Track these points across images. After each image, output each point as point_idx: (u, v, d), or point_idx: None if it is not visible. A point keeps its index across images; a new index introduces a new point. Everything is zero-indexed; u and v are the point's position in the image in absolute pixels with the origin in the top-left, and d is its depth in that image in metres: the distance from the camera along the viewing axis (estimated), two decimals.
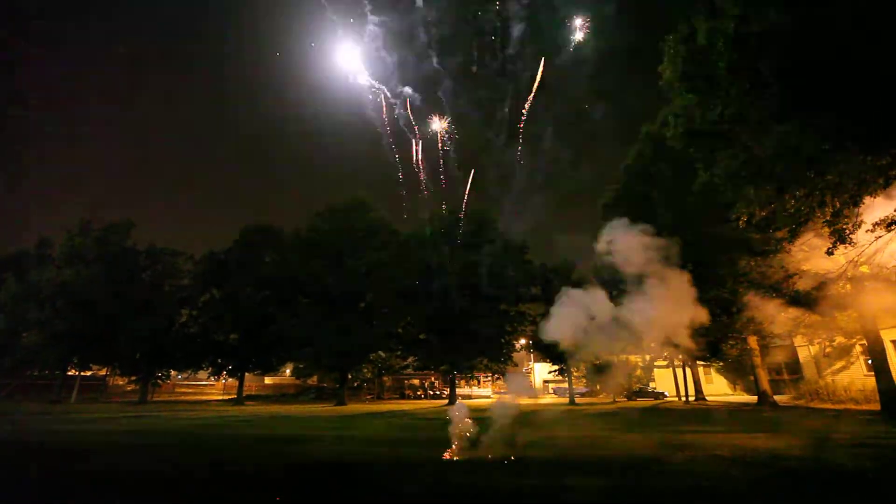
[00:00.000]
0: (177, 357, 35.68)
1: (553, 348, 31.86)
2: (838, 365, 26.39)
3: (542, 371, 44.98)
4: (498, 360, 34.52)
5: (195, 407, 30.61)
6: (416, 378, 49.76)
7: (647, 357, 34.72)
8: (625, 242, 12.49)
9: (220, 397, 44.74)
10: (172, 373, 40.81)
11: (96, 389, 42.41)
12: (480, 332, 32.55)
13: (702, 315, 11.25)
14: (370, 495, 6.49)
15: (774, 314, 19.84)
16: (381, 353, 39.80)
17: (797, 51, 10.52)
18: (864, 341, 19.85)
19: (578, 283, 34.86)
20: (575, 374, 33.67)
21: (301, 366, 42.00)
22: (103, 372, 43.80)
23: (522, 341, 38.29)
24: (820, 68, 10.41)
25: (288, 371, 54.79)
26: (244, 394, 37.03)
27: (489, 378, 48.07)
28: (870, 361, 19.70)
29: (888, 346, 19.81)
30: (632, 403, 31.52)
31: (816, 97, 10.71)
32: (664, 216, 23.07)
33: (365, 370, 42.96)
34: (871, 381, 19.42)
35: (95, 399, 38.15)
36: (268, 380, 56.85)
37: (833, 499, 5.72)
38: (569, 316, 10.91)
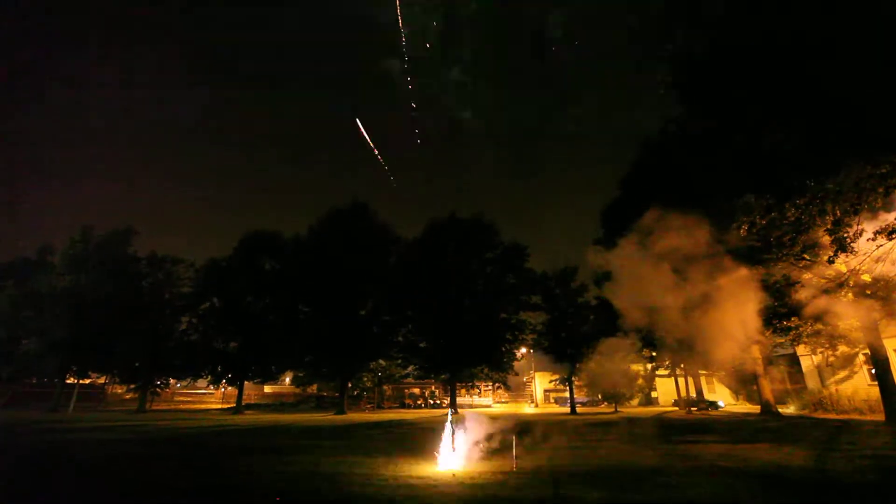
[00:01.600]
0: (176, 365, 35.54)
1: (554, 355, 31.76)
2: (842, 374, 26.17)
3: (543, 380, 44.69)
4: (499, 369, 34.32)
5: (194, 416, 30.42)
6: (416, 387, 49.45)
7: (649, 366, 34.47)
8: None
9: (220, 406, 44.47)
10: (171, 381, 40.64)
11: (95, 398, 42.17)
12: (481, 341, 32.40)
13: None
14: None
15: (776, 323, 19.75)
16: (381, 361, 39.64)
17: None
18: (867, 350, 19.69)
19: (579, 292, 34.82)
20: (576, 383, 33.41)
21: (301, 374, 41.81)
22: (102, 380, 43.61)
23: (523, 350, 38.10)
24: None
25: (287, 380, 54.53)
26: (243, 402, 36.81)
27: (490, 387, 47.79)
28: (873, 371, 19.56)
29: (891, 355, 19.65)
30: (639, 411, 31.26)
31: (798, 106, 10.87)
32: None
33: (365, 379, 42.75)
34: (875, 391, 19.26)
35: (94, 408, 37.94)
36: (267, 388, 56.59)
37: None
38: None
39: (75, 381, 37.06)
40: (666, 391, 37.41)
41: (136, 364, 34.46)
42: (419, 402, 45.33)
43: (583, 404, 37.00)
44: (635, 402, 36.88)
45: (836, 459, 9.30)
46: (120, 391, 43.41)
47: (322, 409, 38.54)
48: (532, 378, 48.38)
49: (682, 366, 29.24)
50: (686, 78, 13.31)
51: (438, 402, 45.31)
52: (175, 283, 37.61)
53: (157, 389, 36.94)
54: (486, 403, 46.26)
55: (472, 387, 38.94)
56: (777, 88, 11.06)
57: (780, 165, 12.13)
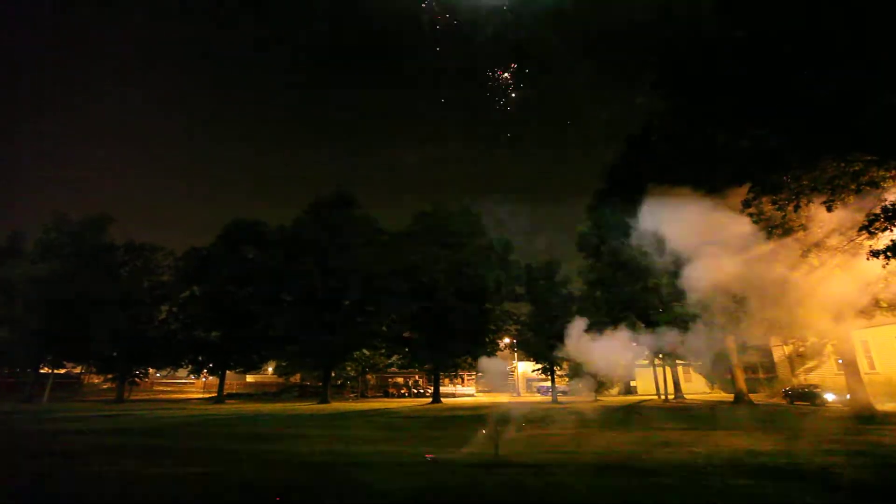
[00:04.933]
0: (156, 355, 34.92)
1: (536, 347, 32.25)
2: (811, 364, 27.25)
3: (525, 370, 45.28)
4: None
5: (174, 405, 30.07)
6: (400, 376, 49.65)
7: (629, 356, 35.24)
8: None
9: (201, 395, 43.97)
10: (151, 371, 39.94)
11: (70, 388, 41.17)
12: (465, 331, 32.67)
13: None
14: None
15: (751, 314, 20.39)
16: (365, 351, 39.65)
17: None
18: (836, 341, 20.54)
19: (563, 284, 35.30)
20: (558, 372, 34.01)
21: (284, 364, 41.60)
22: (78, 370, 42.61)
23: (506, 340, 38.55)
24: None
25: (270, 369, 54.15)
26: (225, 392, 36.48)
27: (473, 376, 48.23)
28: (840, 361, 20.40)
29: (857, 346, 20.54)
30: (619, 400, 32.04)
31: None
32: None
33: (349, 368, 42.73)
34: (842, 380, 20.11)
35: (70, 398, 37.10)
36: (249, 378, 56.07)
37: (807, 498, 5.93)
38: None
39: (50, 371, 36.13)
40: (645, 381, 38.38)
41: (114, 354, 33.76)
42: (403, 392, 45.57)
43: (564, 393, 37.70)
44: (615, 391, 37.76)
45: (802, 445, 9.74)
46: (97, 381, 42.46)
47: (305, 399, 38.45)
48: (515, 368, 49.02)
49: (660, 357, 29.99)
50: (672, 78, 13.52)
51: (422, 391, 45.64)
52: (154, 271, 36.80)
53: (136, 379, 36.32)
54: (469, 393, 46.75)
55: (456, 376, 39.31)
56: (758, 89, 11.32)
57: (760, 162, 12.48)
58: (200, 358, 35.82)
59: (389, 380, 49.54)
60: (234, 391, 45.63)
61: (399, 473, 7.75)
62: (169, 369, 39.49)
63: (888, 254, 10.25)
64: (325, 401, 32.54)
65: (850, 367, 18.66)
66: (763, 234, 15.37)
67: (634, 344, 29.73)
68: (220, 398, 34.44)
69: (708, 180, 15.21)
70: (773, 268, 17.46)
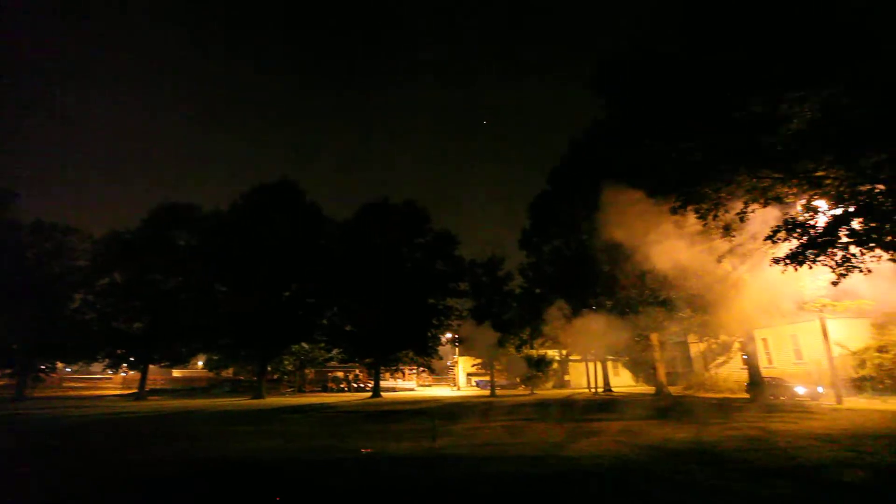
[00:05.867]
0: (66, 347, 31.72)
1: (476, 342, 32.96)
2: (720, 360, 30.07)
3: (466, 364, 46.12)
4: (424, 353, 34.91)
5: (85, 403, 27.57)
6: (340, 371, 48.74)
7: (564, 352, 36.96)
8: None
9: (119, 392, 40.60)
10: (59, 365, 36.31)
11: None
12: (408, 326, 32.67)
13: None
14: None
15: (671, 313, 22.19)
16: (304, 344, 38.51)
17: None
18: (741, 339, 22.77)
19: (505, 280, 36.25)
20: (497, 367, 34.97)
21: (215, 357, 39.42)
22: None
23: (448, 335, 39.01)
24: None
25: (200, 363, 51.11)
26: (147, 388, 33.96)
27: (414, 371, 48.34)
28: (744, 357, 22.65)
29: (759, 344, 22.94)
30: (553, 393, 33.47)
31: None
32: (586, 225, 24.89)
33: (286, 362, 41.31)
34: (745, 374, 22.36)
35: None
36: (176, 372, 52.60)
37: (711, 475, 6.56)
38: None
39: None
40: (578, 375, 40.45)
41: (14, 346, 30.26)
42: (342, 386, 44.76)
43: (502, 387, 38.84)
44: (550, 384, 39.42)
45: (710, 432, 10.75)
46: None
47: (238, 394, 36.71)
48: (456, 362, 49.75)
49: (592, 352, 31.74)
50: (609, 86, 14.30)
51: (362, 385, 45.11)
52: (67, 255, 33.35)
53: (41, 374, 32.87)
54: (409, 387, 46.83)
55: (397, 370, 39.26)
56: (686, 104, 12.24)
57: (687, 173, 13.53)
58: (119, 351, 33.03)
59: (329, 374, 48.50)
60: (157, 387, 42.64)
61: (334, 469, 7.66)
62: (81, 363, 36.14)
63: (787, 261, 11.51)
64: (259, 396, 31.28)
65: (751, 362, 20.81)
66: (688, 240, 16.75)
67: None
68: (142, 394, 32.07)
69: (645, 186, 16.28)
70: (697, 270, 19.04)
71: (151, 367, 34.89)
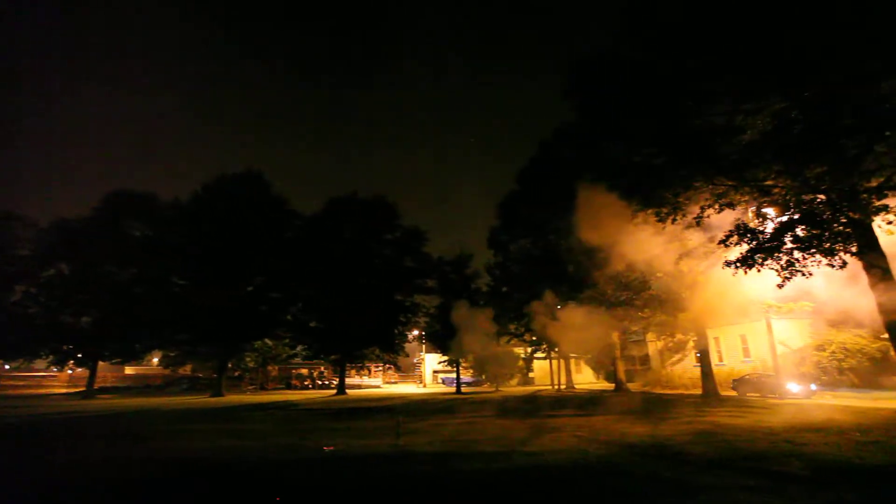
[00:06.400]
0: (6, 342, 29.64)
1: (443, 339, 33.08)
2: (676, 357, 31.42)
3: (432, 361, 46.23)
4: (391, 350, 34.72)
5: (24, 402, 25.91)
6: (304, 368, 47.86)
7: (529, 349, 37.65)
8: None
9: (65, 390, 38.34)
10: None
11: None
12: (374, 322, 32.42)
13: None
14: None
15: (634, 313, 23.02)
16: (267, 341, 37.56)
17: None
18: (696, 337, 23.85)
19: (472, 277, 36.34)
20: (463, 364, 35.22)
21: (172, 354, 37.88)
22: None
23: (415, 332, 38.97)
24: None
25: (156, 360, 48.97)
26: (96, 385, 32.25)
27: (380, 368, 48.07)
28: (698, 354, 23.76)
29: (711, 342, 24.13)
30: (517, 390, 34.03)
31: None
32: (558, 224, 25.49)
33: (248, 359, 40.18)
34: (698, 371, 23.45)
35: None
36: (129, 370, 50.27)
37: (666, 467, 6.87)
38: None
39: None
40: (542, 372, 41.29)
41: None
42: (307, 384, 43.98)
43: (468, 384, 39.18)
44: (514, 381, 40.08)
45: (665, 427, 11.24)
46: None
47: (196, 392, 35.44)
48: (422, 359, 49.80)
49: (556, 350, 32.48)
50: (578, 90, 14.64)
51: (327, 382, 44.46)
52: (8, 244, 31.14)
53: None
54: (375, 384, 46.55)
55: (363, 367, 38.91)
56: (650, 110, 12.69)
57: (649, 177, 14.04)
58: (66, 347, 31.19)
59: (293, 371, 47.56)
60: (108, 385, 40.60)
61: (294, 467, 7.53)
62: (22, 360, 33.94)
63: (737, 264, 12.16)
64: (218, 394, 30.32)
65: (704, 360, 21.87)
66: (651, 242, 17.39)
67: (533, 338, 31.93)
68: (90, 393, 30.45)
69: (610, 188, 16.76)
70: (657, 271, 19.78)
71: (102, 364, 33.18)
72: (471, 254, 34.67)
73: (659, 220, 14.27)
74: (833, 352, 20.83)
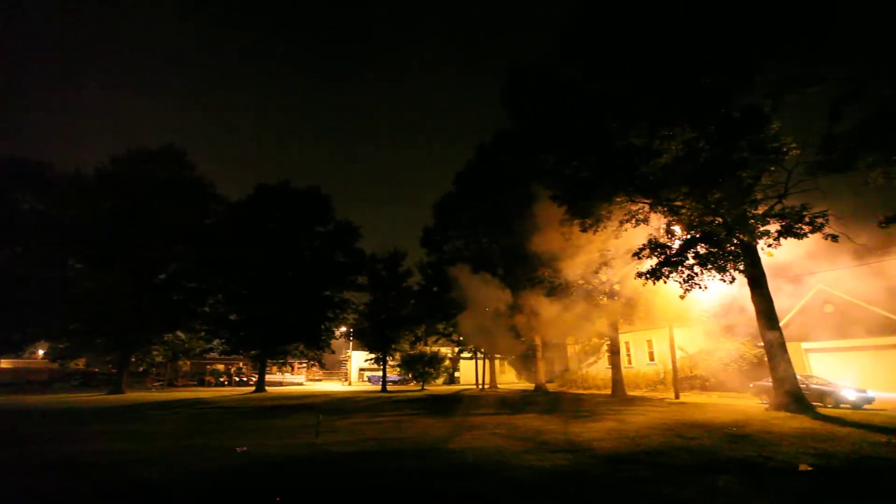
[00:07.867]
0: None
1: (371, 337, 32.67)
2: (591, 360, 33.63)
3: (359, 358, 45.49)
4: (316, 347, 33.58)
5: None
6: (220, 363, 44.84)
7: (456, 349, 38.31)
8: None
9: None
10: None
11: None
12: (300, 317, 31.21)
13: None
14: None
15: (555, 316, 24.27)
16: (180, 333, 34.63)
17: None
18: (609, 341, 25.69)
19: (404, 276, 36.27)
20: (390, 363, 35.01)
21: (62, 346, 33.66)
22: None
23: (343, 329, 38.03)
24: None
25: (41, 352, 43.27)
26: None
27: (304, 364, 46.38)
28: (610, 356, 25.59)
29: (622, 346, 26.13)
30: (443, 389, 34.42)
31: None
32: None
33: (155, 353, 36.75)
34: (609, 372, 25.29)
35: None
36: (5, 363, 43.89)
37: (576, 462, 7.32)
38: None
39: None
40: (467, 372, 42.23)
41: None
42: (222, 380, 41.23)
43: (394, 382, 39.03)
44: (440, 380, 40.60)
45: (576, 424, 11.98)
46: None
47: (91, 389, 31.87)
48: (349, 357, 48.79)
49: (482, 350, 33.35)
50: (512, 100, 15.23)
51: (246, 379, 42.02)
52: None
53: None
54: (298, 381, 44.83)
55: (285, 364, 37.27)
56: (578, 127, 13.50)
57: (578, 188, 14.92)
58: None
59: (208, 367, 44.42)
60: None
61: (197, 470, 7.05)
62: None
63: (647, 276, 13.31)
64: (118, 391, 27.51)
65: (615, 362, 23.63)
66: (574, 251, 18.43)
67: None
68: None
69: (542, 196, 17.58)
70: (579, 279, 20.96)
71: None
72: (405, 252, 34.50)
73: (582, 230, 15.23)
74: (720, 357, 23.47)
